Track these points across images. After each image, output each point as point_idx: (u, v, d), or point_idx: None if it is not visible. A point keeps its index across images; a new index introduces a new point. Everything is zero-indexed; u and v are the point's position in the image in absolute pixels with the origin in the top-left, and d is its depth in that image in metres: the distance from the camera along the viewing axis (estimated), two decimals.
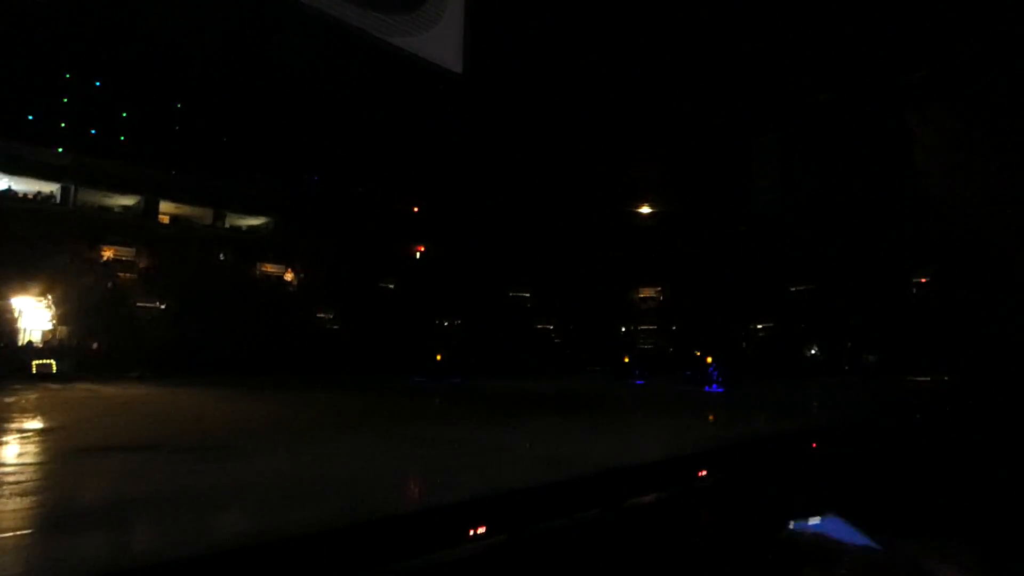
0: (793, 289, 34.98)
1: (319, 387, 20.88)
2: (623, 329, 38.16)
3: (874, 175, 33.65)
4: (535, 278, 37.72)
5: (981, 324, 25.94)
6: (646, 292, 39.70)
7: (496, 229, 37.71)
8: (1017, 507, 5.80)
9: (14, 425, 10.95)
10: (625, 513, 6.32)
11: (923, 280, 32.06)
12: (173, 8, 29.12)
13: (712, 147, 38.15)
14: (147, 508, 6.07)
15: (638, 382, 31.01)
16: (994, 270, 26.78)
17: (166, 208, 32.64)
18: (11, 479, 6.78)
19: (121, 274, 29.03)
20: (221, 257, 31.94)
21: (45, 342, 24.06)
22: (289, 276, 34.18)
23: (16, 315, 24.16)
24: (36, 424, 11.26)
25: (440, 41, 28.99)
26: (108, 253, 29.47)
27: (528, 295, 38.28)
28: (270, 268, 34.02)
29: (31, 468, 7.46)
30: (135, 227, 30.67)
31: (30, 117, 28.46)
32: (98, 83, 30.40)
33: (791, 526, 4.97)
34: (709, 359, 28.29)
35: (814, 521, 4.97)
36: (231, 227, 35.16)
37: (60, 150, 29.13)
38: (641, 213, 39.00)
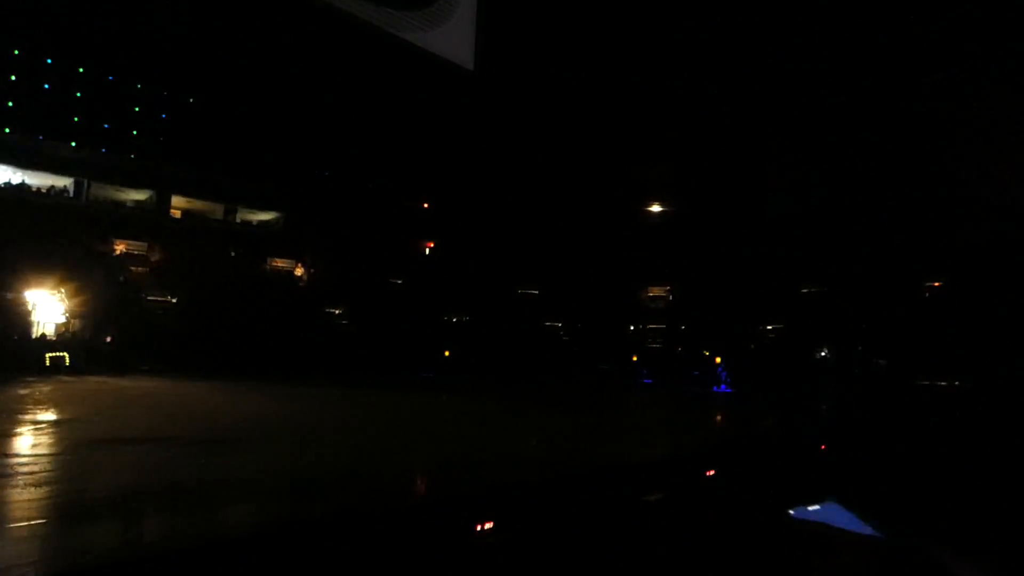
0: (804, 291, 34.81)
1: (328, 383, 21.10)
2: (632, 328, 38.19)
3: (890, 177, 33.39)
4: (544, 275, 37.66)
5: (995, 330, 25.77)
6: (655, 291, 39.58)
7: (506, 226, 37.75)
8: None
9: (28, 416, 11.18)
10: (633, 510, 6.39)
11: (936, 284, 31.83)
12: (187, 3, 29.36)
13: (724, 146, 38.00)
14: (158, 499, 6.21)
15: (646, 381, 31.38)
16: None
17: (178, 203, 32.82)
18: (26, 469, 6.96)
19: (133, 268, 29.26)
20: (232, 252, 32.07)
21: (58, 335, 24.33)
22: (299, 271, 34.31)
23: (30, 308, 24.40)
24: (50, 416, 11.48)
25: (452, 37, 29.08)
26: (120, 247, 29.69)
27: (536, 292, 38.30)
28: (280, 263, 34.06)
29: (45, 459, 7.65)
30: (147, 222, 30.88)
31: (44, 111, 28.75)
32: (111, 78, 30.66)
33: (792, 513, 5.01)
34: (718, 359, 28.40)
35: (814, 508, 5.01)
36: (242, 222, 35.28)
37: (73, 144, 29.44)
38: (652, 212, 38.90)
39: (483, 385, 24.50)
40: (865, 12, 30.98)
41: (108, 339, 24.70)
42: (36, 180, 29.36)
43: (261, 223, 36.35)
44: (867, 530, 4.70)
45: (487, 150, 37.75)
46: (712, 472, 8.02)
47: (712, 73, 36.55)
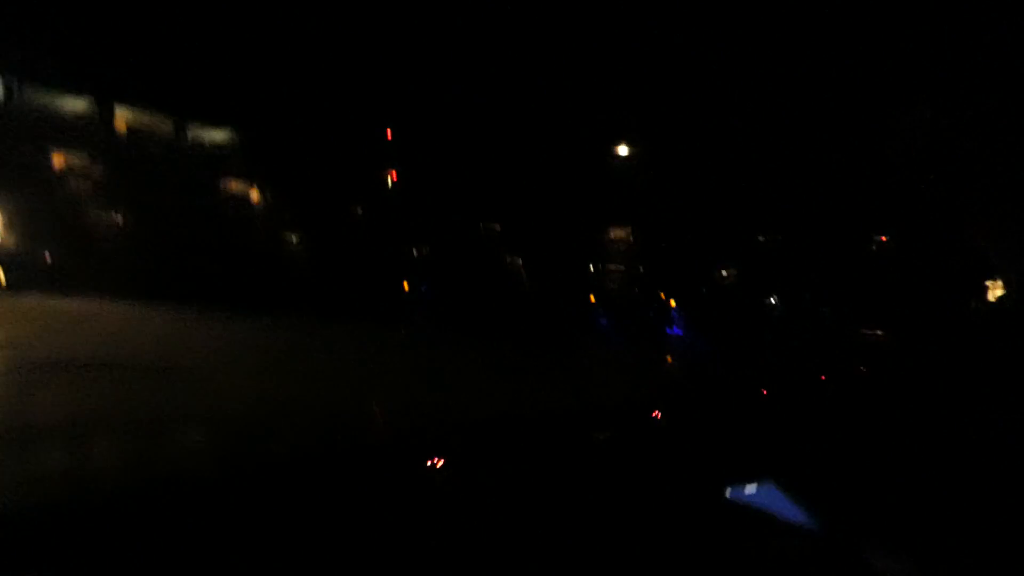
0: (760, 238, 35.24)
1: (284, 313, 20.55)
2: (591, 269, 38.30)
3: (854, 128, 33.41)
4: (507, 211, 37.26)
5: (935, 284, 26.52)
6: (617, 233, 39.54)
7: (471, 156, 36.83)
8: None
9: None
10: (584, 447, 6.16)
11: (883, 238, 32.56)
12: None
13: (688, 81, 37.43)
14: (106, 433, 6.01)
15: (601, 321, 31.87)
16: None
17: (123, 116, 30.99)
18: None
19: (74, 182, 27.77)
20: (184, 171, 30.63)
21: None
22: (255, 195, 33.24)
23: None
24: None
25: None
26: (60, 160, 28.03)
27: (498, 228, 37.88)
28: (235, 185, 32.97)
29: None
30: (89, 134, 29.17)
31: None
32: None
33: (728, 493, 5.06)
34: (672, 302, 28.84)
35: (750, 490, 5.06)
36: (193, 139, 33.63)
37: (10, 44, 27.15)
38: (616, 152, 38.55)
39: (442, 321, 24.50)
40: None
41: (47, 256, 23.50)
42: None
43: (214, 142, 34.67)
44: (801, 517, 4.49)
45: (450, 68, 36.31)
46: (658, 414, 8.01)
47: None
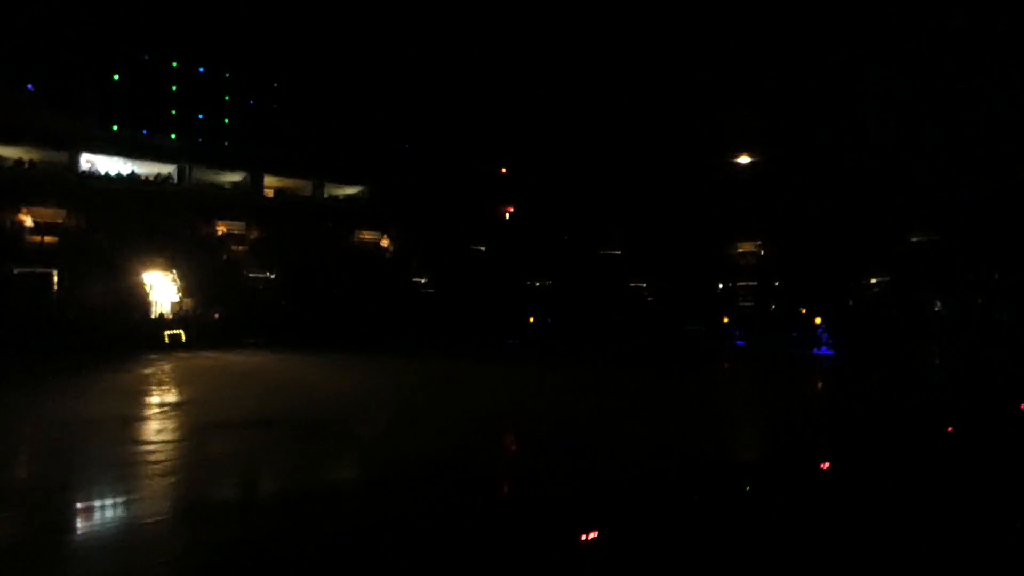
0: (914, 240, 32.22)
1: (419, 354, 21.59)
2: (721, 287, 36.79)
3: (1008, 111, 29.90)
4: (627, 235, 36.91)
5: None
6: (746, 247, 37.82)
7: (586, 185, 37.03)
8: None
9: (152, 399, 11.94)
10: (737, 505, 5.93)
11: None
12: None
13: (819, 84, 35.24)
14: (282, 490, 6.37)
15: (739, 343, 30.13)
16: None
17: (270, 182, 34.22)
18: (153, 458, 7.36)
19: (234, 247, 30.87)
20: (321, 226, 33.19)
21: (173, 313, 26.00)
22: (384, 242, 35.17)
23: (148, 289, 26.19)
24: (171, 397, 12.20)
25: None
26: (221, 228, 31.39)
27: (619, 253, 37.58)
28: (367, 236, 35.06)
29: (169, 446, 8.06)
30: (243, 202, 32.44)
31: (146, 106, 30.60)
32: (201, 69, 32.09)
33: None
34: (817, 319, 26.78)
35: None
36: (329, 197, 36.35)
37: (173, 136, 31.21)
38: (739, 163, 36.92)
39: (571, 353, 24.33)
40: None
41: (216, 315, 26.23)
42: (144, 169, 31.40)
43: (347, 197, 37.39)
44: None
45: (564, 107, 36.92)
46: (828, 465, 7.20)
47: (800, 7, 33.75)
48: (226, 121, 32.81)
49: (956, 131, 31.80)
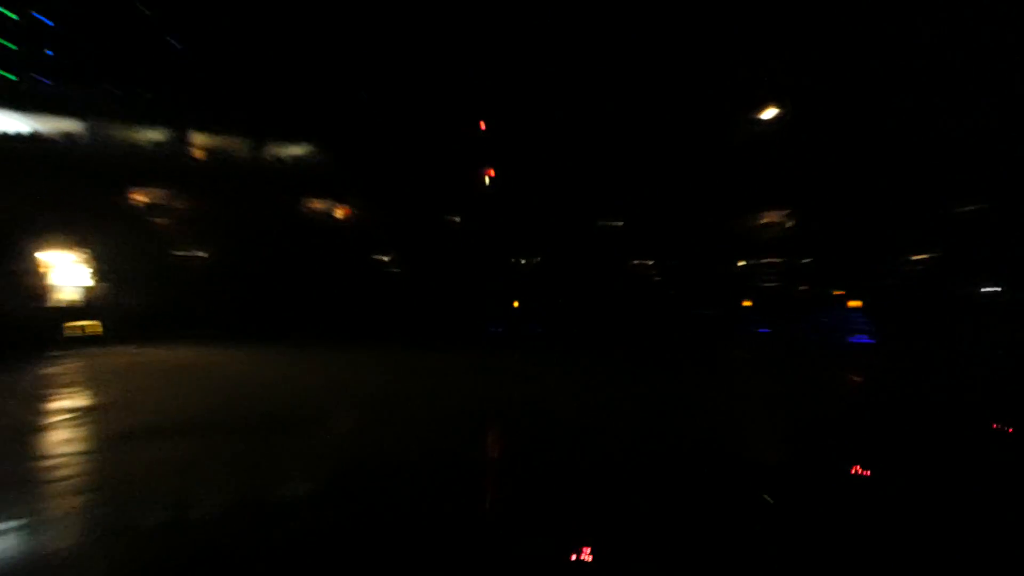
0: (962, 210, 32.42)
1: (382, 345, 21.72)
2: (741, 265, 37.09)
3: None
4: (630, 204, 36.72)
5: None
6: (770, 217, 37.81)
7: (581, 144, 36.83)
8: None
9: (56, 404, 11.70)
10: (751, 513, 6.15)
11: None
12: None
13: (854, 17, 35.00)
14: (221, 512, 6.37)
15: (761, 330, 30.35)
16: None
17: (200, 141, 33.60)
18: (60, 474, 7.26)
19: (157, 220, 30.28)
20: (264, 195, 32.69)
21: (79, 301, 25.56)
22: (340, 212, 34.90)
23: (47, 272, 25.64)
24: (80, 401, 12.02)
25: None
26: (142, 197, 30.75)
27: (621, 224, 37.61)
28: (319, 204, 34.66)
29: (78, 460, 7.94)
30: (168, 165, 31.79)
31: (50, 52, 29.72)
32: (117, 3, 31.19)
33: None
34: (853, 302, 27.10)
35: None
36: (273, 158, 35.82)
37: (83, 86, 30.35)
38: (763, 118, 36.84)
39: (563, 342, 24.37)
40: None
41: (134, 303, 25.84)
42: (47, 127, 30.48)
43: (294, 158, 36.83)
44: None
45: (554, 49, 36.38)
46: (860, 470, 7.40)
47: None
48: (146, 68, 31.90)
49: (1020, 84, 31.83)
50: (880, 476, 7.25)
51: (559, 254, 36.26)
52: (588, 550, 5.16)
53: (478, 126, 38.31)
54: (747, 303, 33.73)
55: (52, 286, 25.59)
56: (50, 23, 30.13)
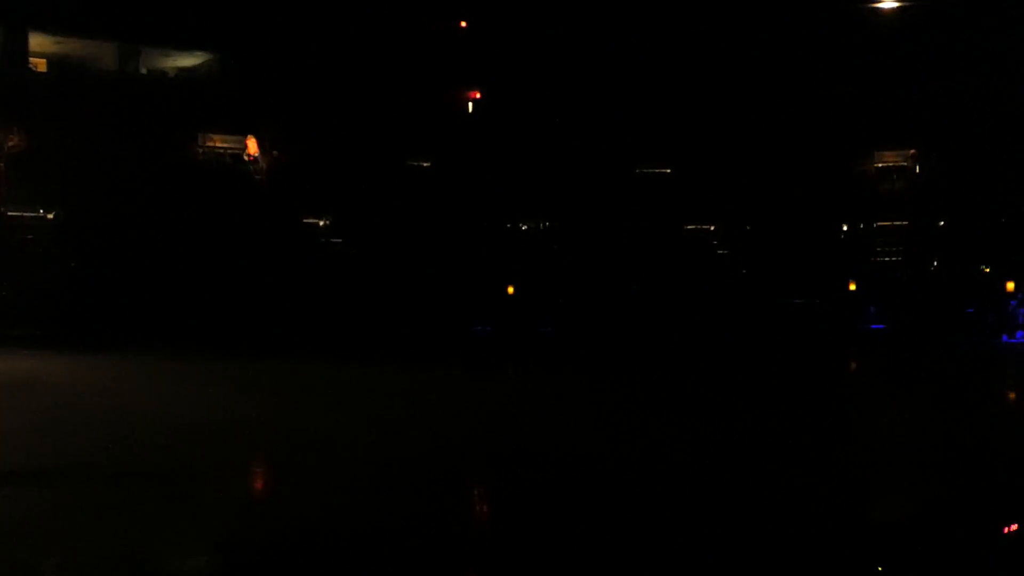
0: None
1: (312, 354, 22.37)
2: (845, 230, 37.18)
3: None
4: (681, 141, 36.59)
5: None
6: (888, 158, 37.73)
7: (607, 51, 36.64)
8: None
9: None
10: None
11: None
12: None
13: None
14: None
15: (874, 326, 30.71)
16: None
17: (40, 45, 33.22)
18: None
19: None
20: (137, 126, 31.93)
21: None
22: (252, 151, 34.33)
23: None
24: None
25: None
26: None
27: (668, 171, 37.39)
28: (220, 142, 34.24)
29: None
30: None
31: None
32: None
33: None
34: (1010, 285, 27.09)
35: None
36: (151, 72, 35.55)
37: None
38: (877, 5, 36.59)
39: (581, 348, 24.49)
40: None
41: None
42: None
43: (183, 72, 36.46)
44: None
45: None
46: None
47: None
48: None
49: None
50: None
51: (576, 217, 36.11)
52: None
53: (456, 24, 38.29)
54: (853, 286, 33.94)
55: None
56: None
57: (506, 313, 31.30)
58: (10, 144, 30.46)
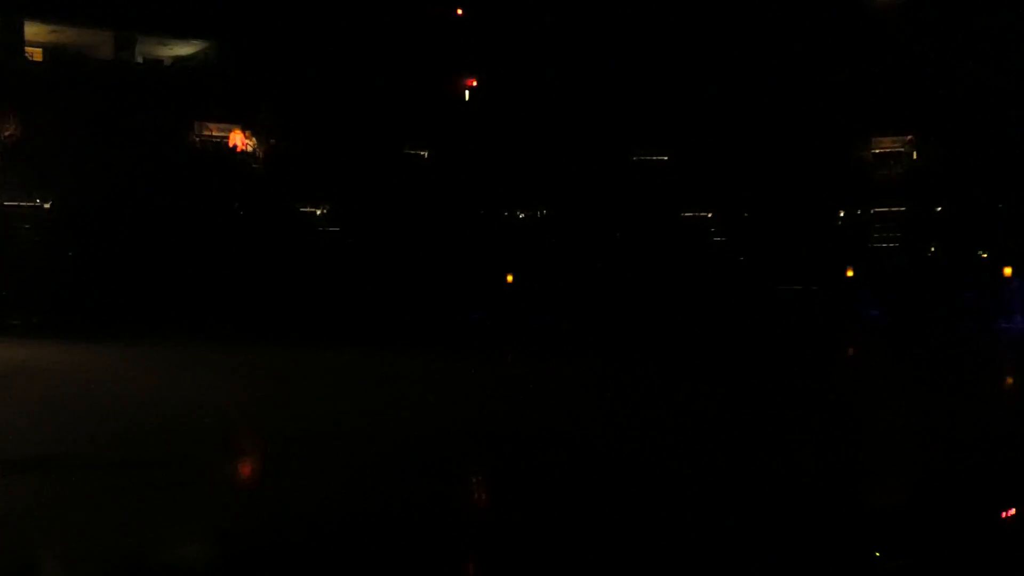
0: None
1: (309, 341, 22.15)
2: (842, 216, 37.08)
3: None
4: (679, 128, 36.59)
5: None
6: (885, 144, 37.72)
7: (606, 36, 36.76)
8: None
9: None
10: None
11: None
12: None
13: None
14: None
15: (872, 312, 30.84)
16: None
17: (35, 34, 33.17)
18: None
19: None
20: (133, 113, 31.79)
21: None
22: (244, 140, 34.50)
23: None
24: None
25: None
26: None
27: (665, 159, 37.37)
28: (216, 130, 34.43)
29: None
30: None
31: None
32: None
33: None
34: (1008, 270, 26.96)
35: None
36: (147, 60, 35.45)
37: None
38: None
39: (580, 337, 24.67)
40: None
41: None
42: None
43: (179, 61, 36.29)
44: None
45: None
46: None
47: None
48: None
49: None
50: None
51: (574, 205, 36.01)
52: None
53: (452, 11, 38.11)
54: (850, 272, 33.75)
55: None
56: None
57: (503, 302, 30.99)
58: (6, 134, 30.38)
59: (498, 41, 37.58)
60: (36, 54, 33.48)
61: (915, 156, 36.88)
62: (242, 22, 34.28)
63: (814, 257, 34.48)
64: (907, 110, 36.10)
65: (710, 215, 37.81)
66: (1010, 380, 16.05)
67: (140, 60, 35.28)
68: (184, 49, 36.15)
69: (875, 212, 36.94)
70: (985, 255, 31.21)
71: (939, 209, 35.67)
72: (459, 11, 38.39)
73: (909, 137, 37.19)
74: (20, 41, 32.53)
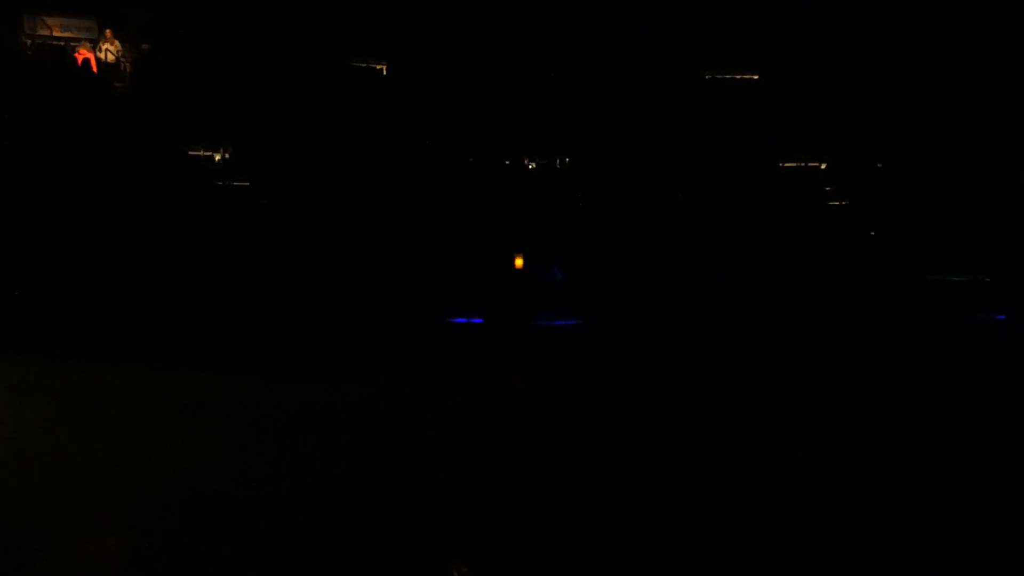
0: None
1: (225, 356, 18.97)
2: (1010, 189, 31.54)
3: None
4: (770, 33, 30.60)
5: None
6: None
7: None
8: None
9: None
10: None
11: None
12: None
13: None
14: None
15: (999, 317, 27.11)
16: None
17: None
18: None
19: None
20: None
21: None
22: (103, 45, 29.09)
23: None
24: None
25: None
26: None
27: (755, 77, 31.64)
28: (56, 28, 29.04)
29: None
30: None
31: None
32: None
33: None
34: None
35: None
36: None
37: None
38: None
39: (630, 354, 20.61)
40: None
41: None
42: None
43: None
44: None
45: None
46: None
47: None
48: None
49: None
50: None
51: (614, 148, 29.90)
52: None
53: None
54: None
55: None
56: None
57: (506, 297, 25.65)
58: None
59: None
60: None
61: None
62: None
63: (988, 235, 28.22)
64: None
65: (823, 165, 30.90)
66: None
67: None
68: None
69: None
70: None
71: None
72: None
73: None
74: None
